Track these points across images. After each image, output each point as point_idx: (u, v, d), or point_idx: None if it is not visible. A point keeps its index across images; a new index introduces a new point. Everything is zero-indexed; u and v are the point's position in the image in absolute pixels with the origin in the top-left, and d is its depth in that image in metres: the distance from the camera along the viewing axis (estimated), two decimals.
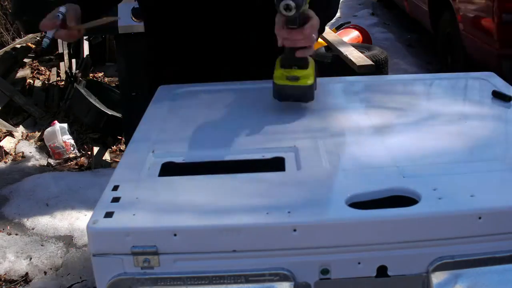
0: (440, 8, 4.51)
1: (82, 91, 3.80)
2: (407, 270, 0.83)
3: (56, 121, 3.63)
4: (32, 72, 4.75)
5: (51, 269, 2.44)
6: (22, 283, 2.37)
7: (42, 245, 2.61)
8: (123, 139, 3.60)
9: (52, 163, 3.47)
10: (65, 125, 3.59)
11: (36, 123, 3.99)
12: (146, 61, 1.59)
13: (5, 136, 3.75)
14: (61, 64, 4.66)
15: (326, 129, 1.13)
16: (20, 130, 3.86)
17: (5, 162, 3.50)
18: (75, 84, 4.02)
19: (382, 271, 0.82)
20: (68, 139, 3.54)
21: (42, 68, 4.85)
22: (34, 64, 4.92)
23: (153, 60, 1.52)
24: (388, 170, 0.94)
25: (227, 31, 1.41)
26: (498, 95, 1.25)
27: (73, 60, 4.64)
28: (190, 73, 1.44)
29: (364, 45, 4.47)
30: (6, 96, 4.09)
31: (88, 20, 1.33)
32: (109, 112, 3.67)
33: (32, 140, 3.77)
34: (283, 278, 0.81)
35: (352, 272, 0.82)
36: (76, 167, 3.41)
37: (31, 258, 2.51)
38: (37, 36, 5.39)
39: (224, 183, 0.93)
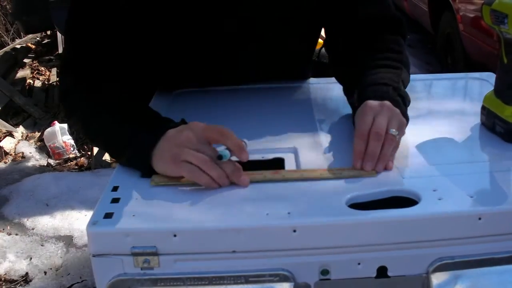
0: (440, 8, 4.51)
1: None
2: (407, 271, 0.83)
3: (56, 122, 3.64)
4: (32, 73, 4.75)
5: (51, 269, 2.45)
6: (22, 283, 2.37)
7: (42, 245, 2.61)
8: None
9: (52, 163, 3.47)
10: (65, 126, 3.59)
11: (36, 123, 3.99)
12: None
13: (5, 136, 3.75)
14: None
15: (326, 129, 1.13)
16: (20, 130, 3.86)
17: (5, 162, 3.50)
18: None
19: (382, 271, 0.82)
20: (68, 139, 3.54)
21: (42, 68, 4.85)
22: (34, 65, 4.92)
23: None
24: (388, 171, 0.94)
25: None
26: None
27: None
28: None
29: None
30: (6, 96, 4.09)
31: None
32: None
33: (32, 141, 3.77)
34: (283, 278, 0.81)
35: (352, 272, 0.82)
36: (76, 167, 3.41)
37: (31, 258, 2.51)
38: (37, 36, 5.40)
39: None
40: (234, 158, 0.93)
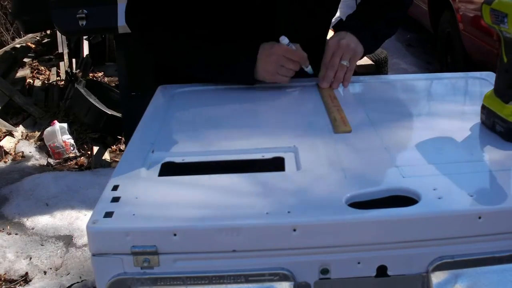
0: (440, 7, 4.51)
1: (82, 90, 3.80)
2: (407, 270, 0.83)
3: (56, 121, 3.63)
4: (32, 72, 4.74)
5: (51, 268, 2.45)
6: (22, 282, 2.37)
7: (42, 245, 2.61)
8: (123, 139, 3.60)
9: (52, 163, 3.47)
10: (65, 125, 3.59)
11: (36, 123, 3.99)
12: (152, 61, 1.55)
13: (5, 136, 3.75)
14: (61, 63, 4.66)
15: (326, 129, 1.13)
16: (20, 130, 3.86)
17: (5, 162, 3.50)
18: (75, 83, 4.02)
19: (381, 270, 0.82)
20: (68, 138, 3.54)
21: (42, 67, 4.85)
22: (34, 64, 4.92)
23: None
24: (388, 170, 0.94)
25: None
26: None
27: (73, 60, 4.64)
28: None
29: None
30: (6, 95, 4.09)
31: None
32: (109, 112, 3.67)
33: (32, 140, 3.76)
34: (283, 278, 0.81)
35: (352, 272, 0.82)
36: (76, 167, 3.41)
37: (31, 258, 2.51)
38: (37, 36, 5.39)
39: (224, 183, 0.93)
40: None
